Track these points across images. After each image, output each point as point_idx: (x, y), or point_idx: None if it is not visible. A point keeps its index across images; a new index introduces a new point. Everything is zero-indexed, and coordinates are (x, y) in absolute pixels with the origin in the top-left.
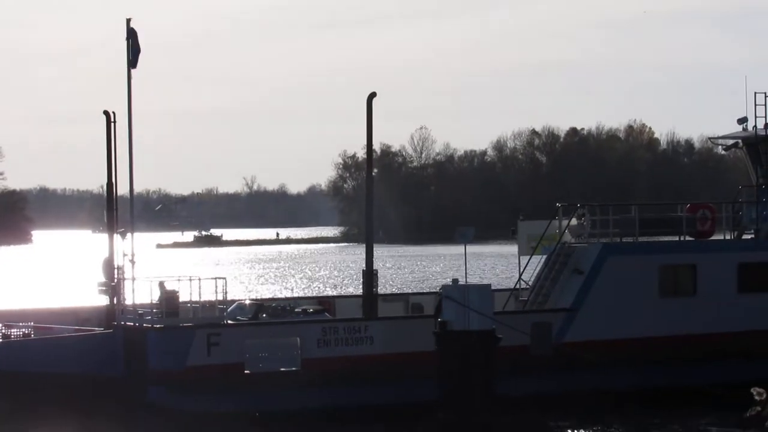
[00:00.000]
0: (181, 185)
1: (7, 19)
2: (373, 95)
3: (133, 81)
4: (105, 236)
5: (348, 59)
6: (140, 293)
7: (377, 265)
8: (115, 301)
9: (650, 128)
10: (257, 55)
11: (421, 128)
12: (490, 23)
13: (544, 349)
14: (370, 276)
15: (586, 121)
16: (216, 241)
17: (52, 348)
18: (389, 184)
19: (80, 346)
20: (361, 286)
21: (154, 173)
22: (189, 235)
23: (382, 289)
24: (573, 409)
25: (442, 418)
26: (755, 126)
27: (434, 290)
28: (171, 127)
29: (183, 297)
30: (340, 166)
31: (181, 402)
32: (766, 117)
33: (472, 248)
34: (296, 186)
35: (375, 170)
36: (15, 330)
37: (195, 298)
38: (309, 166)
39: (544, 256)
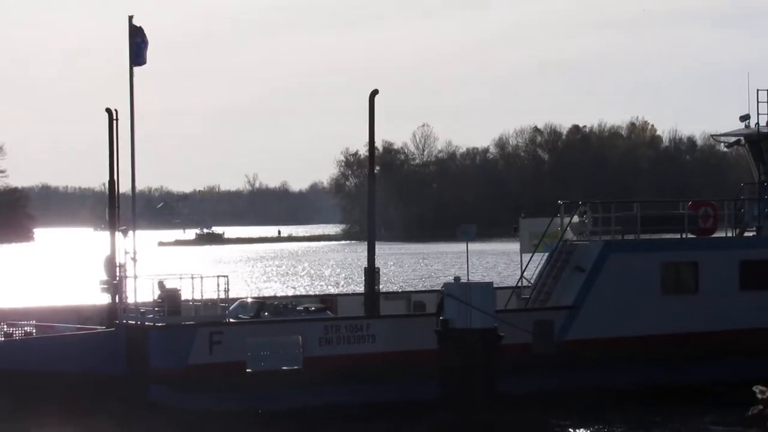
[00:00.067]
0: (182, 183)
1: (8, 19)
2: (375, 93)
3: (135, 79)
4: (107, 234)
5: (349, 58)
6: (142, 291)
7: (379, 263)
8: (117, 300)
9: (652, 126)
10: (258, 53)
11: (423, 126)
12: (491, 22)
13: (546, 347)
14: (372, 274)
15: (588, 119)
16: (218, 239)
17: (53, 347)
18: (391, 181)
19: (82, 345)
20: (363, 284)
21: (156, 171)
22: (191, 233)
23: (384, 287)
24: (575, 407)
25: (442, 418)
26: (758, 123)
27: (436, 288)
28: (173, 125)
29: (185, 295)
30: (342, 163)
31: (183, 401)
32: None
33: (474, 246)
34: (298, 183)
35: (377, 168)
36: (17, 329)
37: (197, 296)
38: (311, 164)
39: (546, 254)
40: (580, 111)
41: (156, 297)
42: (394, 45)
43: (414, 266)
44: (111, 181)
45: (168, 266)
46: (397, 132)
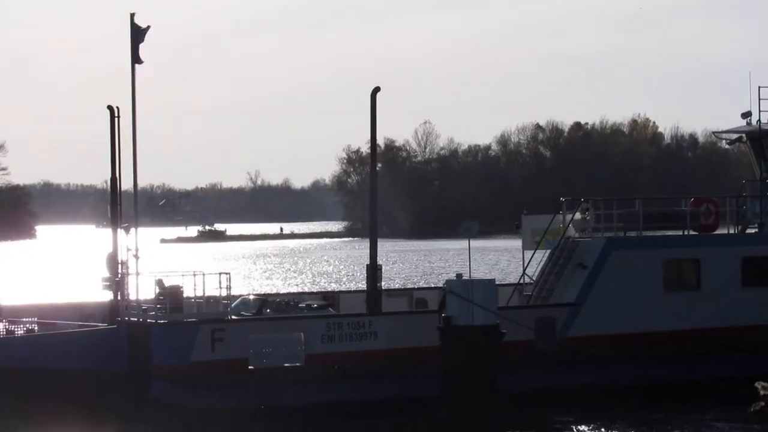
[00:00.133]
0: (184, 180)
1: (8, 18)
2: (377, 90)
3: (136, 77)
4: (109, 231)
5: (351, 56)
6: (144, 288)
7: (381, 260)
8: (119, 297)
9: (654, 123)
10: (259, 51)
11: (425, 123)
12: (492, 19)
13: (548, 344)
14: (374, 271)
15: (590, 116)
16: (220, 236)
17: (55, 344)
18: (393, 178)
19: (84, 342)
20: (365, 281)
21: (158, 168)
22: (193, 230)
23: (386, 284)
24: (577, 404)
25: (442, 417)
26: (759, 120)
27: (438, 285)
28: (175, 122)
29: (187, 292)
30: (344, 160)
31: (185, 397)
32: None
33: (476, 243)
34: (300, 181)
35: (379, 165)
36: (19, 325)
37: (199, 293)
38: (313, 161)
39: (548, 251)
40: (582, 108)
41: (155, 295)
42: (395, 44)
43: (416, 263)
44: (113, 179)
45: (170, 263)
46: (399, 129)
